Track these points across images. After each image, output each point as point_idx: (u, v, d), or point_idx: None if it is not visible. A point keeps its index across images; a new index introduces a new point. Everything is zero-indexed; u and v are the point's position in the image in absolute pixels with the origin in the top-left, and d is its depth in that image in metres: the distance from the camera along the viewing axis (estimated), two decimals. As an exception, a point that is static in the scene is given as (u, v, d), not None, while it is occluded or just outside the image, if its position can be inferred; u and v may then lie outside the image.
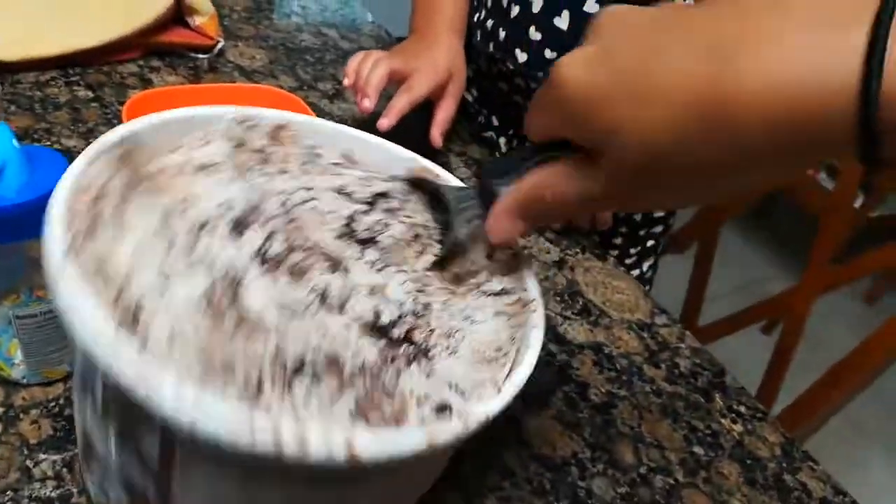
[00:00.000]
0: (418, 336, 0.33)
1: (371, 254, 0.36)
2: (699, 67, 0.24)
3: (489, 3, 0.76)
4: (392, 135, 0.69)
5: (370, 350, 0.30)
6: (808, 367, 1.31)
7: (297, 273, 0.32)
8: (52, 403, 0.41)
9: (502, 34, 0.73)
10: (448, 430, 0.26)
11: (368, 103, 0.64)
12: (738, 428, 0.54)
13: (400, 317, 0.33)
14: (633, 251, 0.84)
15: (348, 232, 0.36)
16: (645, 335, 0.60)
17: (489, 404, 0.29)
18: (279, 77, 0.78)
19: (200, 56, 0.76)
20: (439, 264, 0.37)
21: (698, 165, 0.26)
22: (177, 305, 0.27)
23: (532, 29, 0.71)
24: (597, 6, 0.67)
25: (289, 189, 0.36)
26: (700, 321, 1.61)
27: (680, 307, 1.61)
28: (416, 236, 0.38)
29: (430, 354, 0.33)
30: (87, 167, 0.30)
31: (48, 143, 0.59)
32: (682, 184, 0.27)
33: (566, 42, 0.69)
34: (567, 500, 0.45)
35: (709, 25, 0.25)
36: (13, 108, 0.61)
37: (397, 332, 0.32)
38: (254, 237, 0.32)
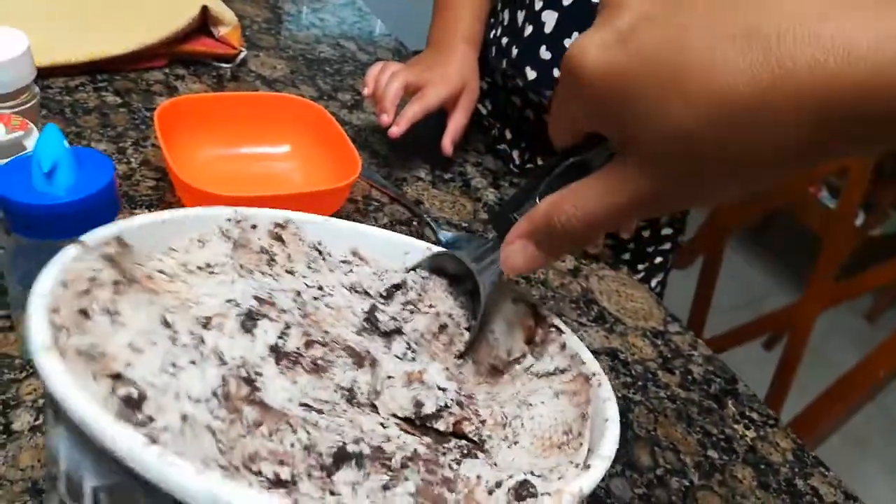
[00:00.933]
0: (469, 427, 0.30)
1: (398, 346, 0.33)
2: (735, 52, 0.22)
3: (505, 21, 0.78)
4: (406, 144, 0.71)
5: (417, 445, 0.28)
6: (810, 384, 1.33)
7: (319, 370, 0.30)
8: (90, 397, 0.42)
9: (515, 51, 0.76)
10: None
11: (387, 118, 0.66)
12: (751, 433, 0.55)
13: (445, 406, 0.30)
14: (641, 267, 0.86)
15: (370, 326, 0.34)
16: (659, 342, 0.61)
17: (581, 478, 0.26)
18: (300, 87, 0.80)
19: (224, 65, 0.78)
20: (471, 357, 0.35)
21: (741, 155, 0.24)
22: (186, 398, 0.25)
23: (543, 48, 0.73)
24: None
25: (299, 287, 0.34)
26: (704, 335, 1.62)
27: (685, 321, 1.62)
28: (443, 327, 0.35)
29: (487, 447, 0.30)
30: (73, 262, 0.26)
31: (79, 146, 0.60)
32: (724, 172, 0.25)
33: None
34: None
35: (739, 2, 0.23)
36: (44, 111, 0.63)
37: (444, 425, 0.30)
38: (267, 331, 0.29)
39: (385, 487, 0.25)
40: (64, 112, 0.64)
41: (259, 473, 0.24)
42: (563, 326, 0.36)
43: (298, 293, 0.33)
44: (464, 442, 0.30)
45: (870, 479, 1.74)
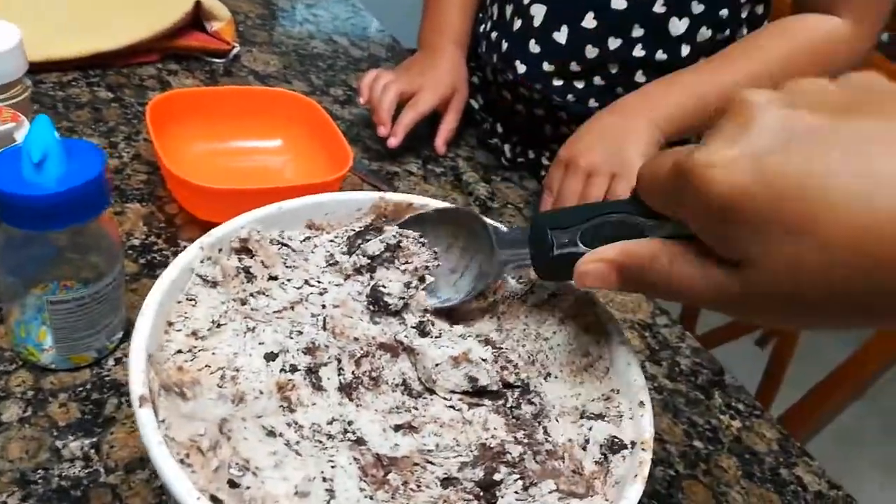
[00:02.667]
0: (511, 378, 0.34)
1: (412, 318, 0.35)
2: (866, 205, 0.21)
3: (494, 15, 0.79)
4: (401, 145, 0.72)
5: (504, 433, 0.31)
6: (801, 379, 1.33)
7: (377, 381, 0.32)
8: (80, 388, 0.43)
9: (504, 45, 0.77)
10: (640, 478, 0.29)
11: (384, 129, 0.70)
12: (737, 424, 0.56)
13: (495, 374, 0.33)
14: None
15: (378, 309, 0.35)
16: (647, 335, 0.62)
17: (639, 424, 0.31)
18: (292, 82, 0.80)
19: (217, 61, 0.78)
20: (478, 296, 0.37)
21: (865, 302, 0.23)
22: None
23: (532, 42, 0.74)
24: (595, 22, 0.71)
25: (294, 297, 0.35)
26: (696, 331, 1.63)
27: (676, 317, 1.63)
28: (421, 279, 0.37)
29: (532, 388, 0.34)
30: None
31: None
32: (834, 313, 0.24)
33: (564, 55, 0.74)
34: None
35: (880, 150, 0.22)
36: (36, 106, 0.63)
37: (495, 386, 0.33)
38: (330, 377, 0.32)
39: (525, 488, 0.29)
40: (56, 107, 0.65)
41: None
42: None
43: (306, 303, 0.35)
44: (515, 391, 0.33)
45: (862, 475, 1.75)
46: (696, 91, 0.66)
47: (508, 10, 0.76)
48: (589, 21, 0.72)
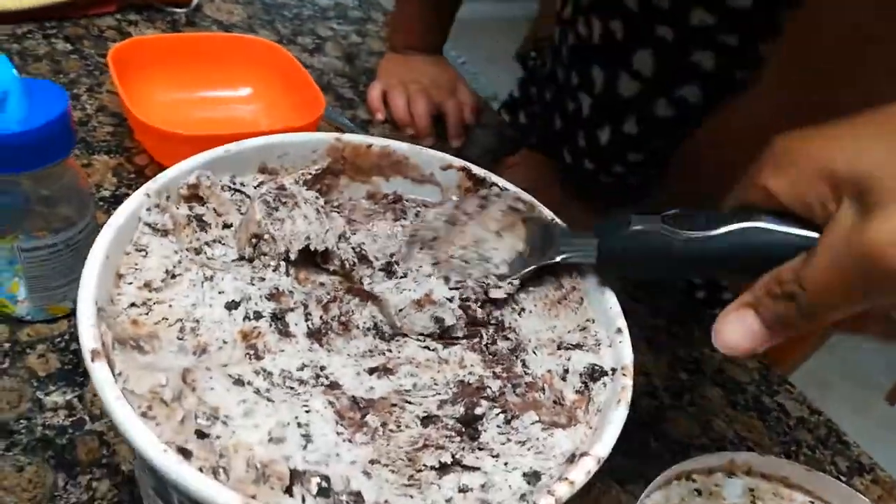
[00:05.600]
0: (480, 314, 0.33)
1: (378, 262, 0.35)
2: None
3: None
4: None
5: (481, 369, 0.31)
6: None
7: (346, 326, 0.31)
8: (59, 339, 0.42)
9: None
10: (622, 402, 0.28)
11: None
12: (719, 356, 0.57)
13: (460, 313, 0.32)
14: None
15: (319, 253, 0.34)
16: (628, 273, 0.62)
17: (624, 347, 0.30)
18: (258, 31, 0.78)
19: (178, 10, 0.75)
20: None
21: None
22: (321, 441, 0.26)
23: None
24: (636, 127, 0.61)
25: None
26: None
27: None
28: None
29: (506, 324, 0.33)
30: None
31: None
32: None
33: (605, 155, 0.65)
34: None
35: None
36: (-8, 59, 0.60)
37: (462, 322, 0.32)
38: (297, 323, 0.30)
39: (507, 421, 0.28)
40: (13, 59, 0.62)
41: (423, 467, 0.26)
42: (503, 183, 0.37)
43: (265, 257, 0.33)
44: (490, 328, 0.33)
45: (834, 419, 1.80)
46: None
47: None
48: (631, 126, 0.61)
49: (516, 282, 0.33)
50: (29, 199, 0.39)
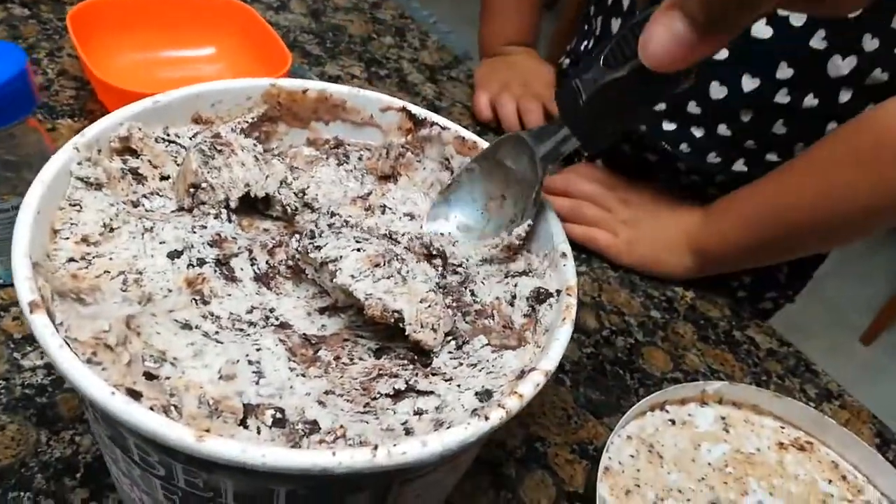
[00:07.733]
0: (426, 239, 0.34)
1: (324, 220, 0.34)
2: None
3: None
4: (337, 43, 0.69)
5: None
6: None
7: (295, 270, 0.31)
8: (32, 301, 0.42)
9: None
10: (567, 320, 0.28)
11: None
12: (691, 294, 0.58)
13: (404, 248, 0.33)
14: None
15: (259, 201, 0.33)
16: (601, 218, 0.63)
17: (563, 273, 0.31)
18: (221, -9, 0.76)
19: (137, -29, 0.74)
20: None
21: None
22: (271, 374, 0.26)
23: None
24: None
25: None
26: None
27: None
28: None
29: (447, 252, 0.34)
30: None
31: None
32: None
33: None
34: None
35: None
36: (-54, 26, 0.59)
37: (407, 244, 0.33)
38: (243, 268, 0.30)
39: (458, 347, 0.29)
40: (-32, 26, 0.60)
41: (378, 395, 0.26)
42: (444, 122, 0.37)
43: (203, 206, 0.32)
44: (437, 262, 0.33)
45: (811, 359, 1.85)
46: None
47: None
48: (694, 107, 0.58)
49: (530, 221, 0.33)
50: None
